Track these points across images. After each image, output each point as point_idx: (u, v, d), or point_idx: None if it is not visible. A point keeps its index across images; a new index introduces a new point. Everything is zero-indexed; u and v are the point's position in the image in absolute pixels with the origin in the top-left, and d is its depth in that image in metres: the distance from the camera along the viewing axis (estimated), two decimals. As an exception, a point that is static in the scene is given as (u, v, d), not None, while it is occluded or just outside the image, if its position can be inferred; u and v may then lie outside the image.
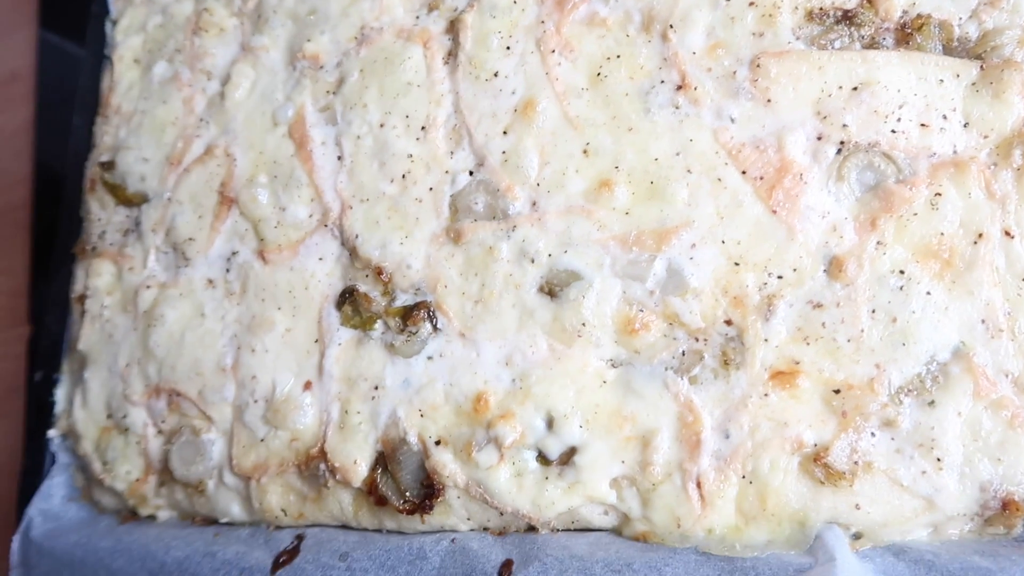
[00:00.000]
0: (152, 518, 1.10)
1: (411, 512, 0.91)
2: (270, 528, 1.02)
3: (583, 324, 0.87)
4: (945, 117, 0.81)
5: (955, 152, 0.80)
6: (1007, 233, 0.77)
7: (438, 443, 0.91)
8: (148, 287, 1.12)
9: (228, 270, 1.08)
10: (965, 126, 0.81)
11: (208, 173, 1.12)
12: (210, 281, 1.08)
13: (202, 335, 1.06)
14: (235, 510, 1.03)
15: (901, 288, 0.79)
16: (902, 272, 0.79)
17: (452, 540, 0.90)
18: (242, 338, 1.03)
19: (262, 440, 1.00)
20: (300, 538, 0.98)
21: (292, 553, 0.96)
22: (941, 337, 0.77)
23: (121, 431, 1.09)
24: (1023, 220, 0.78)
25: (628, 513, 0.84)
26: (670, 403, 0.83)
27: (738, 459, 0.80)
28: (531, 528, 0.90)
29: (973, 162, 0.79)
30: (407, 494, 0.91)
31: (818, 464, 0.77)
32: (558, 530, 0.89)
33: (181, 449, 1.05)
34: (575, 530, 0.89)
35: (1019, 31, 0.81)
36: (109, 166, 1.19)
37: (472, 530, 0.92)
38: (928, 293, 0.78)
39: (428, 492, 0.90)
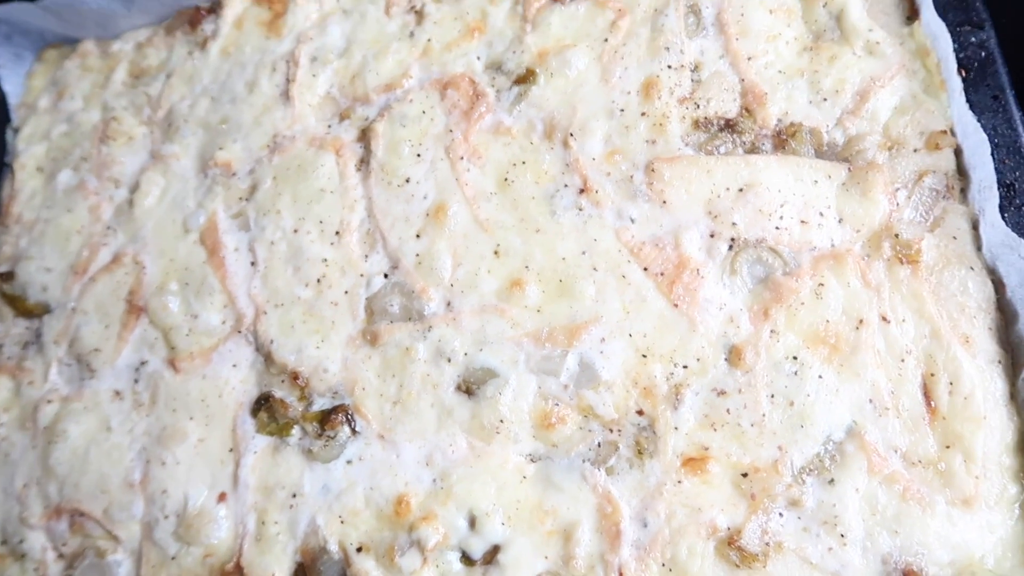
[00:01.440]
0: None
1: (332, 625, 0.88)
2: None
3: (501, 420, 0.89)
4: (822, 214, 0.89)
5: (833, 245, 0.88)
6: (884, 318, 0.84)
7: (360, 550, 0.89)
8: (49, 401, 1.08)
9: (137, 380, 1.05)
10: (840, 222, 0.89)
11: (115, 282, 1.11)
12: (117, 393, 1.05)
13: (108, 450, 1.03)
14: None
15: (795, 373, 0.84)
16: (795, 358, 0.85)
17: None
18: (151, 451, 1.00)
19: (173, 558, 0.96)
20: None
21: None
22: (835, 417, 0.83)
23: (17, 558, 1.02)
24: (897, 306, 0.85)
25: None
26: (589, 495, 0.85)
27: (657, 547, 0.82)
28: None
29: (849, 254, 0.87)
30: (328, 607, 0.89)
31: (732, 547, 0.80)
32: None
33: (85, 573, 1.00)
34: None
35: (878, 136, 0.91)
36: (8, 276, 1.16)
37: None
38: (820, 376, 0.84)
39: (352, 608, 0.88)
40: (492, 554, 0.87)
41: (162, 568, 0.96)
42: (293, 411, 0.97)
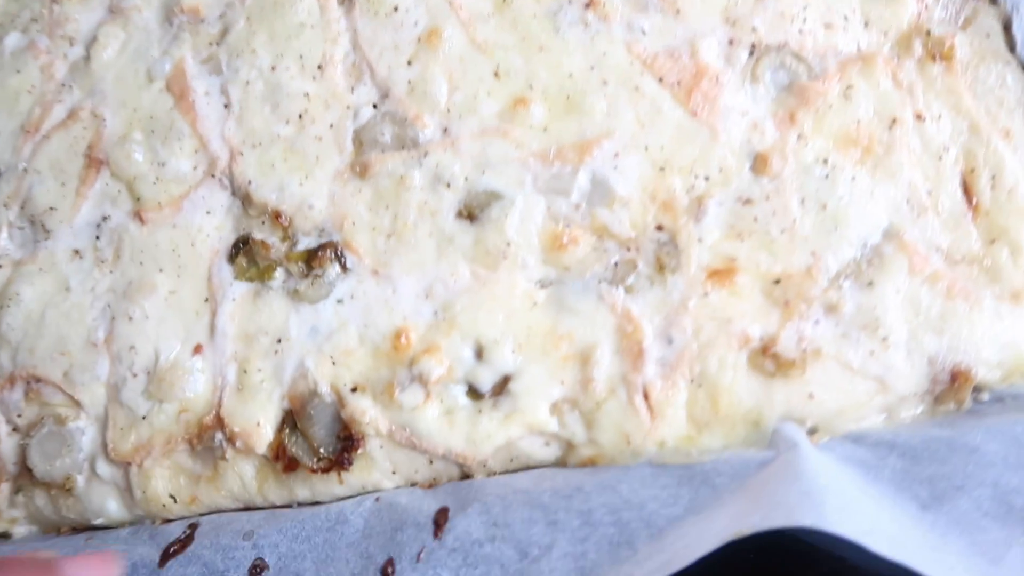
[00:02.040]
0: (6, 537, 0.93)
1: (327, 470, 0.80)
2: (155, 523, 0.87)
3: (507, 244, 0.82)
4: (846, 18, 0.83)
5: (859, 49, 0.82)
6: (918, 116, 0.79)
7: (355, 390, 0.81)
8: (0, 266, 0.97)
9: (98, 237, 0.95)
10: (866, 25, 0.83)
11: (72, 137, 1.01)
12: (76, 252, 0.95)
13: (67, 310, 0.93)
14: (112, 507, 0.88)
15: (826, 177, 0.78)
16: (825, 161, 0.79)
17: (376, 499, 0.80)
18: (117, 307, 0.91)
19: (144, 417, 0.87)
20: (193, 527, 0.85)
21: (185, 542, 0.82)
22: (871, 220, 0.77)
23: (-36, 434, 0.92)
24: (931, 103, 0.80)
25: (572, 439, 0.77)
26: (607, 315, 0.78)
27: (684, 363, 0.75)
28: (465, 476, 0.81)
29: (878, 56, 0.81)
30: (321, 451, 0.81)
31: (767, 356, 0.74)
32: (495, 473, 0.80)
33: (43, 442, 0.90)
34: (514, 471, 0.80)
35: (903, -63, 0.85)
36: (-50, 140, 1.05)
37: (398, 487, 0.82)
38: (853, 179, 0.78)
39: (346, 445, 0.80)
40: (502, 385, 0.80)
41: (131, 430, 0.87)
42: (275, 252, 0.88)
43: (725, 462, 0.71)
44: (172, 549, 0.82)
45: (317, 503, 0.84)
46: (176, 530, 0.85)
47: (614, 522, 0.72)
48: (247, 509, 0.87)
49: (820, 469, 0.65)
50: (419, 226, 0.85)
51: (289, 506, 0.85)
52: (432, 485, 0.82)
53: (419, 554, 0.76)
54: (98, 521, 0.89)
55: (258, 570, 0.79)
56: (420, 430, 0.79)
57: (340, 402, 0.81)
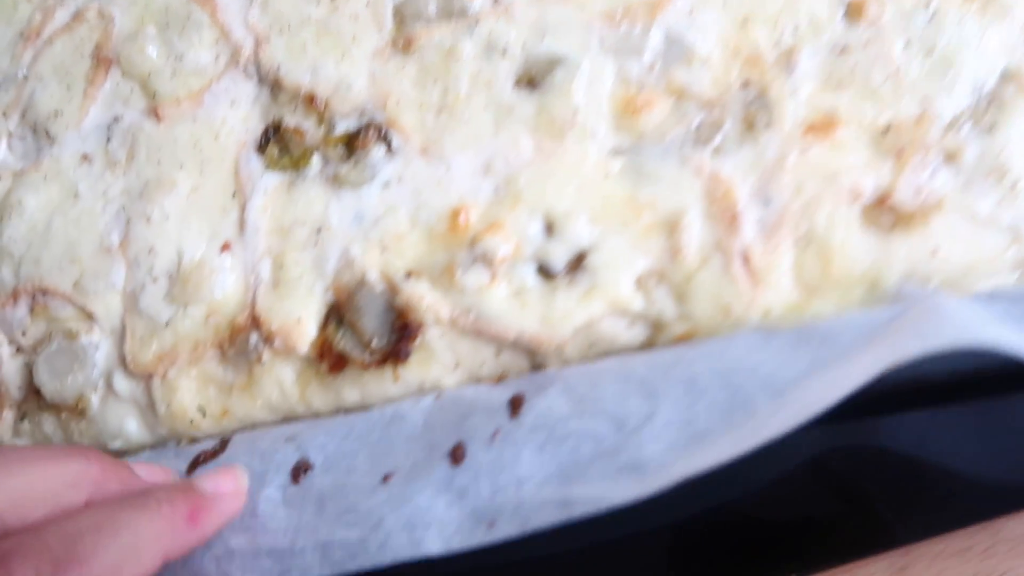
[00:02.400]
0: (8, 472, 0.82)
1: (381, 363, 0.71)
2: (180, 443, 0.77)
3: (574, 112, 0.73)
4: None
5: None
6: (1028, -48, 0.71)
7: (409, 276, 0.72)
8: (-1, 178, 0.87)
9: (109, 139, 0.86)
10: None
11: (77, 39, 0.92)
12: (85, 156, 0.86)
13: (76, 217, 0.83)
14: (131, 428, 0.78)
15: (930, 20, 0.71)
16: (927, 5, 0.71)
17: (437, 396, 0.70)
18: (132, 209, 0.82)
19: (166, 324, 0.77)
20: (225, 441, 0.74)
21: (215, 452, 0.72)
22: (984, 63, 0.69)
23: (-42, 362, 0.82)
24: (1040, -62, 0.72)
25: (660, 317, 0.68)
26: (692, 180, 0.70)
27: (787, 223, 0.67)
28: (536, 367, 0.72)
29: None
30: (373, 343, 0.71)
31: (883, 209, 0.65)
32: (572, 363, 0.71)
33: (52, 359, 0.80)
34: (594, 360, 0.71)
35: None
36: (-58, 48, 0.96)
37: (461, 385, 0.72)
38: (960, 21, 0.71)
39: (402, 335, 0.70)
40: (577, 262, 0.71)
41: (152, 339, 0.77)
42: (311, 138, 0.79)
43: (847, 322, 0.62)
44: (201, 457, 0.72)
45: (367, 408, 0.74)
46: (206, 446, 0.75)
47: (724, 386, 0.62)
48: (285, 421, 0.77)
49: (969, 306, 0.57)
50: (473, 99, 0.76)
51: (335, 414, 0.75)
52: (499, 379, 0.72)
53: (494, 435, 0.65)
54: (115, 444, 0.79)
55: (302, 470, 0.69)
56: (487, 312, 0.70)
57: (392, 289, 0.72)
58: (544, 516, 0.63)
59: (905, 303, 0.62)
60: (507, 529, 0.63)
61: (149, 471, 0.65)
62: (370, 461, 0.68)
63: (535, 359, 0.72)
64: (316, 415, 0.76)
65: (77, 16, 0.93)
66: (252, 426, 0.77)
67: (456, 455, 0.65)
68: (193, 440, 0.78)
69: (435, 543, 0.64)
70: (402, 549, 0.64)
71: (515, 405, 0.66)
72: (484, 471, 0.64)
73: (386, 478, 0.66)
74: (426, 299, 0.71)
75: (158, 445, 0.80)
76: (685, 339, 0.68)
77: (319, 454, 0.69)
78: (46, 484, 0.52)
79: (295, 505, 0.68)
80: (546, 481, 0.64)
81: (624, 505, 0.60)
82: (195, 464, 0.72)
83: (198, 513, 0.59)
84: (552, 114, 0.74)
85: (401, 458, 0.67)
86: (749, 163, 0.70)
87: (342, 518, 0.66)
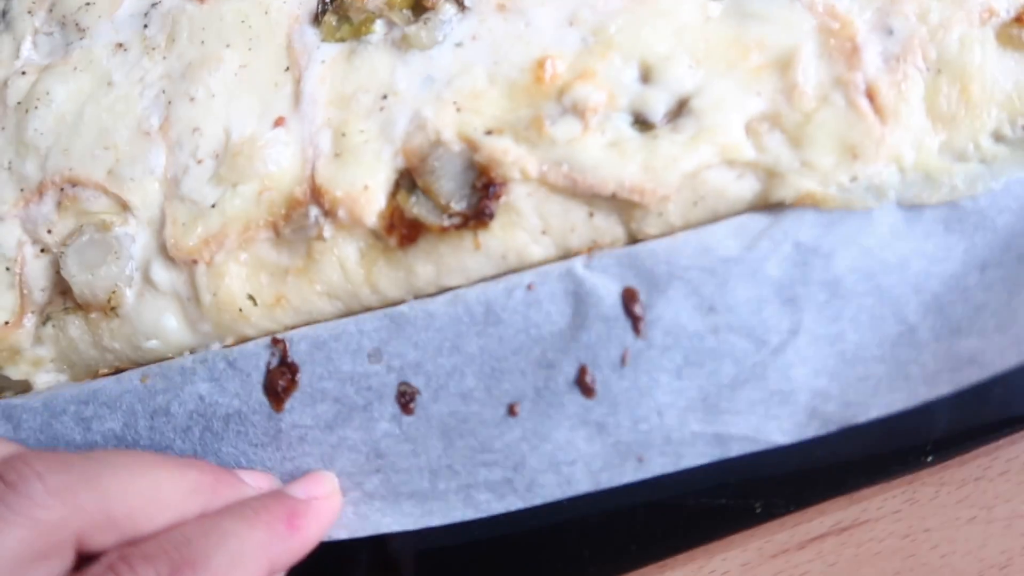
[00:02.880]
0: (24, 388, 0.74)
1: (463, 226, 0.63)
2: (225, 343, 0.69)
3: (668, -46, 0.67)
4: None
5: None
6: None
7: (490, 133, 0.65)
8: (23, 73, 0.80)
9: (146, 26, 0.80)
10: None
11: (111, -71, 0.85)
12: (120, 45, 0.80)
13: (111, 104, 0.77)
14: (171, 324, 0.70)
15: None
16: None
17: (528, 287, 0.63)
18: (174, 90, 0.75)
19: (213, 206, 0.70)
20: (280, 345, 0.66)
21: (288, 371, 0.64)
22: None
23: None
24: None
25: (774, 167, 0.61)
26: (804, 15, 0.64)
27: (914, 51, 0.61)
28: (632, 241, 0.64)
29: None
30: (452, 206, 0.63)
31: (1022, 26, 0.58)
32: (674, 228, 0.63)
33: (82, 250, 0.73)
34: (697, 224, 0.63)
35: None
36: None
37: (548, 259, 0.65)
38: None
39: (485, 194, 0.63)
40: (678, 111, 0.64)
41: (197, 223, 0.70)
42: (373, 2, 0.73)
43: (999, 198, 0.57)
44: (280, 385, 0.64)
45: (442, 292, 0.66)
46: (258, 352, 0.67)
47: (871, 290, 0.58)
48: (346, 314, 0.69)
49: None
50: (553, -52, 0.70)
51: (402, 302, 0.67)
52: (591, 250, 0.64)
53: (623, 357, 0.61)
54: (151, 344, 0.71)
55: (408, 398, 0.64)
56: (582, 162, 0.62)
57: (472, 147, 0.65)
58: (698, 453, 0.60)
59: None
60: (660, 465, 0.60)
61: (254, 478, 0.63)
62: (483, 383, 0.63)
63: (632, 223, 0.64)
64: (382, 300, 0.68)
65: (110, -93, 0.87)
66: (308, 318, 0.69)
67: (585, 385, 0.61)
68: (239, 341, 0.69)
69: (584, 481, 0.62)
70: (552, 490, 0.62)
71: (633, 312, 0.61)
72: (621, 401, 0.61)
73: (512, 410, 0.63)
74: (511, 153, 0.64)
75: (198, 348, 0.71)
76: (809, 202, 0.60)
77: (418, 375, 0.64)
78: (170, 491, 0.56)
79: (419, 440, 0.64)
80: (689, 408, 0.60)
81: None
82: (276, 393, 0.64)
83: (295, 519, 0.59)
84: (642, -40, 0.68)
85: (517, 379, 0.62)
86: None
87: (477, 457, 0.63)
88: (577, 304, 0.62)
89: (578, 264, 0.63)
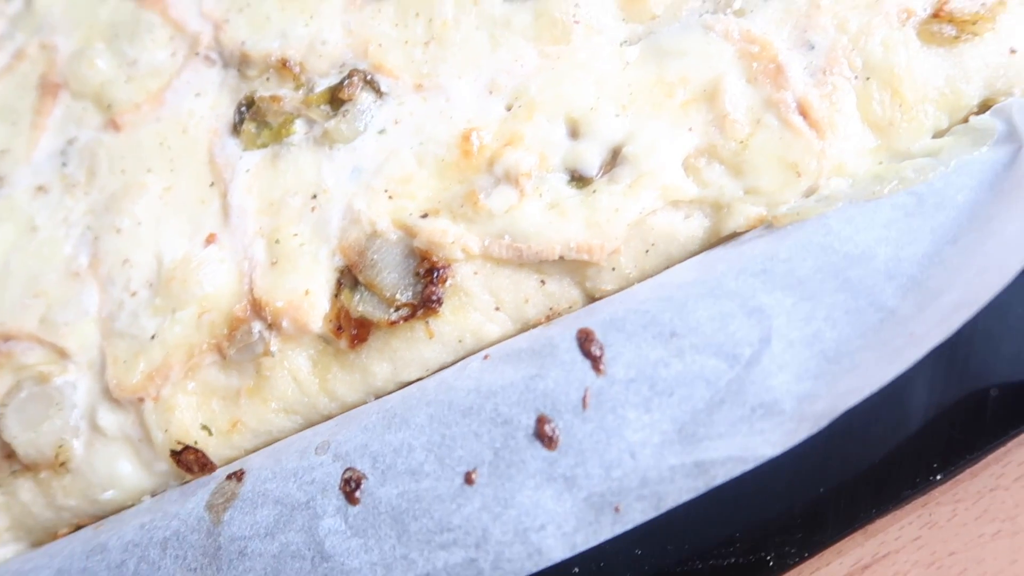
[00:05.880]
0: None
1: (411, 318, 0.62)
2: (185, 482, 0.66)
3: (576, 7, 0.69)
4: None
5: None
6: None
7: (425, 216, 0.64)
8: (-60, 233, 0.79)
9: (64, 164, 0.80)
10: None
11: (20, 76, 0.88)
12: (40, 187, 0.80)
13: (37, 249, 0.76)
14: (125, 470, 0.69)
15: None
16: None
17: (485, 357, 0.61)
18: (100, 225, 0.75)
19: (153, 338, 0.68)
20: (239, 472, 0.63)
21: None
22: None
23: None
24: None
25: (719, 199, 0.62)
26: (722, 45, 0.65)
27: (839, 60, 0.62)
28: (589, 296, 0.63)
29: None
30: (398, 297, 0.62)
31: (941, 20, 0.59)
32: (630, 279, 0.62)
33: (22, 408, 0.71)
34: (653, 273, 0.62)
35: None
36: None
37: (507, 335, 0.63)
38: None
39: (429, 280, 0.61)
40: (613, 160, 0.63)
41: (138, 358, 0.69)
42: (290, 103, 0.73)
43: (958, 172, 0.57)
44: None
45: (402, 387, 0.64)
46: (216, 477, 0.64)
47: (840, 286, 0.56)
48: (307, 428, 0.66)
49: None
50: (462, 21, 0.72)
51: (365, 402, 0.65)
52: (550, 318, 0.63)
53: (583, 399, 0.57)
54: (108, 495, 0.69)
55: (354, 485, 0.60)
56: (524, 230, 0.62)
57: (410, 233, 0.64)
58: (679, 489, 0.55)
59: (1012, 138, 0.55)
60: (640, 511, 0.55)
61: None
62: (433, 454, 0.58)
63: (586, 282, 0.63)
64: (342, 406, 0.66)
65: (17, 55, 0.89)
66: (268, 438, 0.66)
67: (545, 435, 0.57)
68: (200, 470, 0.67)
69: (557, 547, 0.56)
70: (522, 563, 0.56)
71: (591, 352, 0.58)
72: (588, 448, 0.56)
73: (468, 478, 0.57)
74: (450, 233, 0.63)
75: (159, 488, 0.68)
76: (762, 223, 0.59)
77: (363, 457, 0.60)
78: None
79: (368, 532, 0.58)
80: (664, 443, 0.56)
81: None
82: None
83: None
84: (551, 17, 0.69)
85: (471, 443, 0.58)
86: (779, 15, 0.65)
87: (435, 539, 0.57)
88: (533, 357, 0.60)
89: (536, 331, 0.62)
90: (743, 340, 0.56)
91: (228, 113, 0.76)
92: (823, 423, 0.55)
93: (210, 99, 0.77)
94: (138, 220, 0.74)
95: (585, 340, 0.58)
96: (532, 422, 0.57)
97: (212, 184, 0.73)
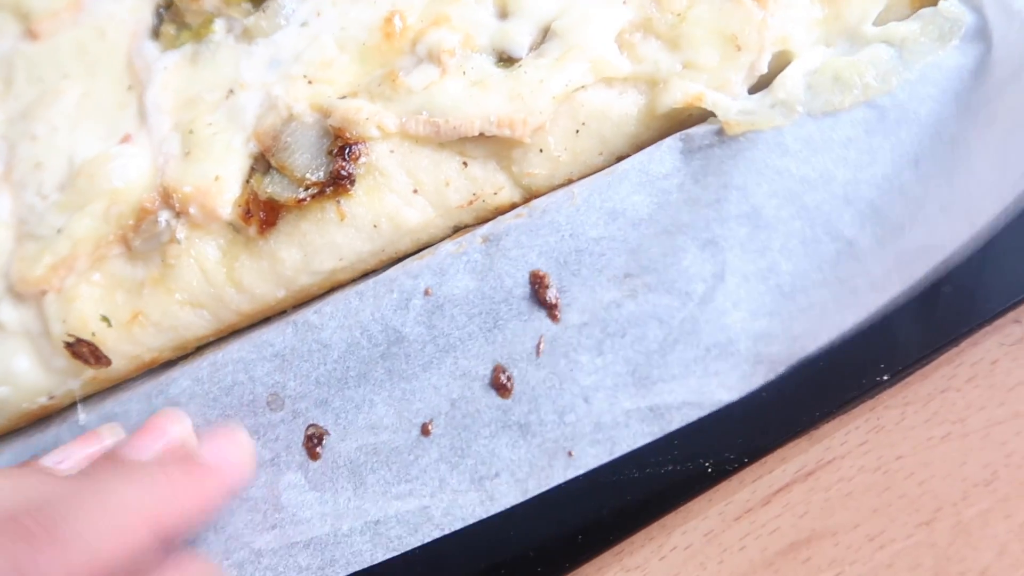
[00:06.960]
0: None
1: (320, 195, 0.59)
2: (84, 381, 0.63)
3: None
4: None
5: None
6: None
7: (343, 98, 0.61)
8: None
9: (-21, 82, 0.76)
10: None
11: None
12: (-46, 104, 0.75)
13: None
14: (21, 365, 0.67)
15: None
16: None
17: (425, 291, 0.60)
18: (16, 133, 0.74)
19: (59, 231, 0.64)
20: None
21: None
22: None
23: None
24: None
25: (655, 74, 0.60)
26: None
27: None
28: (518, 184, 0.60)
29: None
30: (308, 177, 0.59)
31: None
32: (561, 164, 0.59)
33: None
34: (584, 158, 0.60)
35: None
36: None
37: (428, 226, 0.60)
38: None
39: (341, 157, 0.58)
40: (542, 40, 0.61)
41: (43, 253, 0.66)
42: (209, 2, 0.71)
43: (921, 81, 0.55)
44: None
45: (316, 278, 0.61)
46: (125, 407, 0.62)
47: (797, 213, 0.55)
48: (216, 327, 0.62)
49: None
50: (383, -95, 0.69)
51: (274, 299, 0.61)
52: (473, 203, 0.59)
53: (537, 347, 0.58)
54: (1, 392, 0.63)
55: (316, 441, 0.60)
56: (442, 104, 0.60)
57: (326, 115, 0.61)
58: (633, 434, 0.56)
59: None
60: (593, 456, 0.56)
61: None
62: (393, 408, 0.59)
63: (512, 166, 0.61)
64: (252, 300, 0.62)
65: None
66: (172, 333, 0.63)
67: (500, 384, 0.58)
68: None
69: (509, 493, 0.57)
70: (473, 509, 0.57)
71: (546, 300, 0.57)
72: (541, 394, 0.57)
73: (424, 429, 0.59)
74: (365, 111, 0.61)
75: (56, 388, 0.64)
76: (694, 107, 0.57)
77: (326, 415, 0.60)
78: None
79: (326, 486, 0.60)
80: (618, 386, 0.56)
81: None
82: None
83: (196, 484, 0.55)
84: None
85: (430, 395, 0.59)
86: None
87: (391, 490, 0.58)
88: (484, 302, 0.59)
89: (475, 252, 0.59)
90: (696, 275, 0.56)
91: (148, 16, 0.74)
92: (780, 369, 0.55)
93: (129, 2, 0.75)
94: (54, 126, 0.71)
95: (540, 286, 0.58)
96: (488, 372, 0.58)
97: (130, 87, 0.70)
